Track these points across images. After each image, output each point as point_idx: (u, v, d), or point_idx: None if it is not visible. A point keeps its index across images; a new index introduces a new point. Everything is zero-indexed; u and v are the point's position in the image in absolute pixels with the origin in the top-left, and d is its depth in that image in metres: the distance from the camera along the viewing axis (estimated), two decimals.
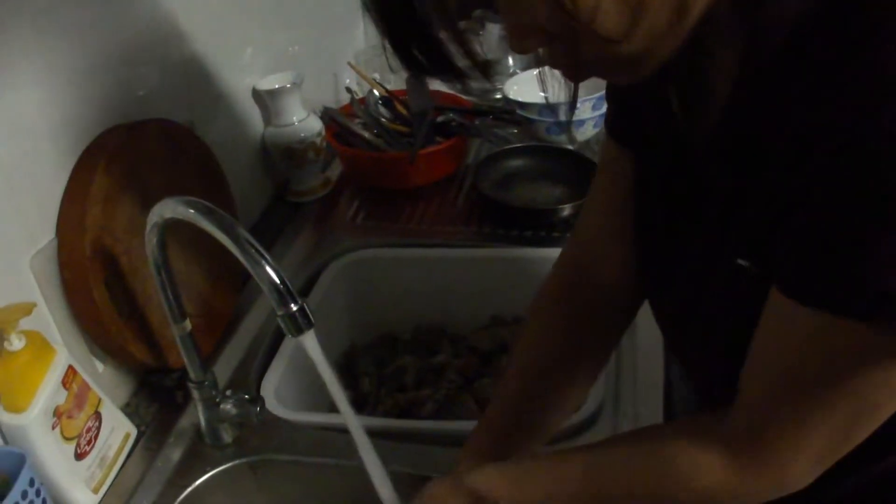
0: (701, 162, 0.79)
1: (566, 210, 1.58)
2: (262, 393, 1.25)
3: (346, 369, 1.53)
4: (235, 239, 0.85)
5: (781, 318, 0.68)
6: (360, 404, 1.44)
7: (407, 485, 0.95)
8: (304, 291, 1.51)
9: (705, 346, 0.85)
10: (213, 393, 1.16)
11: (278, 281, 0.83)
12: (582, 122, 1.79)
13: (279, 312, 0.83)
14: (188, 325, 1.10)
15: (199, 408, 1.16)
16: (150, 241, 0.99)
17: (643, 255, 0.94)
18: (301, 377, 1.33)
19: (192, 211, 0.89)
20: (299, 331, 0.83)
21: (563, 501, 0.87)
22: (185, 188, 0.92)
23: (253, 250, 0.84)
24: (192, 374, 1.13)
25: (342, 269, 1.57)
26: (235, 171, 1.55)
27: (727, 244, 0.75)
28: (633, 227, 0.94)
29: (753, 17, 0.65)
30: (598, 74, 0.71)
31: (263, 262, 0.83)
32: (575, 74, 0.73)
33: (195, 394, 1.15)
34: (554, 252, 1.48)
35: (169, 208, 0.93)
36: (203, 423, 1.18)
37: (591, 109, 1.78)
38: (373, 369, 1.50)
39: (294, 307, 0.83)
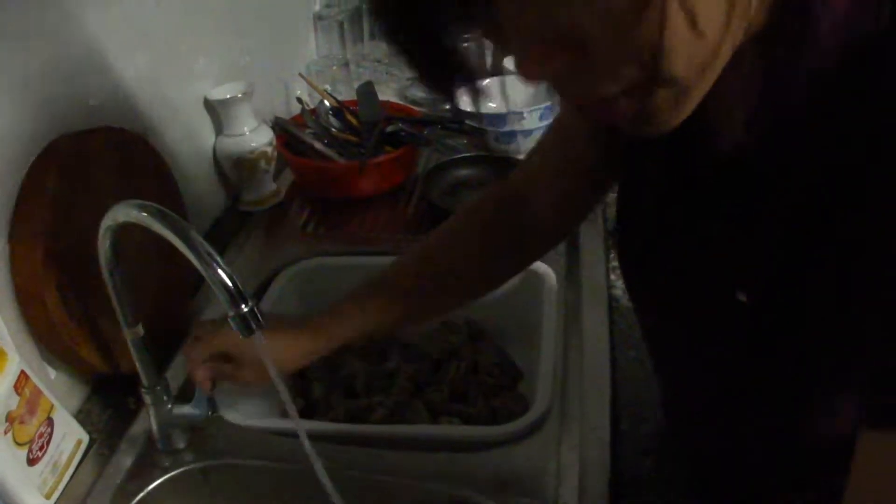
0: (708, 181, 0.73)
1: None
2: (216, 398, 1.25)
3: (298, 375, 1.54)
4: (188, 241, 0.86)
5: (867, 459, 0.57)
6: (312, 410, 1.45)
7: (359, 487, 0.96)
8: (256, 299, 1.51)
9: (685, 348, 0.87)
10: (165, 398, 1.16)
11: (230, 282, 0.84)
12: (529, 133, 1.82)
13: (230, 313, 0.85)
14: (140, 329, 1.10)
15: (151, 413, 1.17)
16: (103, 245, 1.00)
17: (623, 230, 0.91)
18: None
19: (145, 214, 0.91)
20: (250, 331, 0.85)
21: None
22: (137, 196, 0.94)
23: (205, 252, 0.85)
24: (144, 380, 1.14)
25: (292, 276, 1.58)
26: (188, 180, 1.56)
27: (726, 273, 0.72)
28: (618, 203, 0.92)
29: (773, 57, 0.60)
30: (626, 123, 0.60)
31: (215, 263, 0.85)
32: (610, 114, 0.59)
33: (147, 399, 1.15)
34: None
35: (123, 212, 0.94)
36: (155, 428, 1.18)
37: (538, 119, 1.81)
38: (324, 375, 1.51)
39: (245, 308, 0.85)
